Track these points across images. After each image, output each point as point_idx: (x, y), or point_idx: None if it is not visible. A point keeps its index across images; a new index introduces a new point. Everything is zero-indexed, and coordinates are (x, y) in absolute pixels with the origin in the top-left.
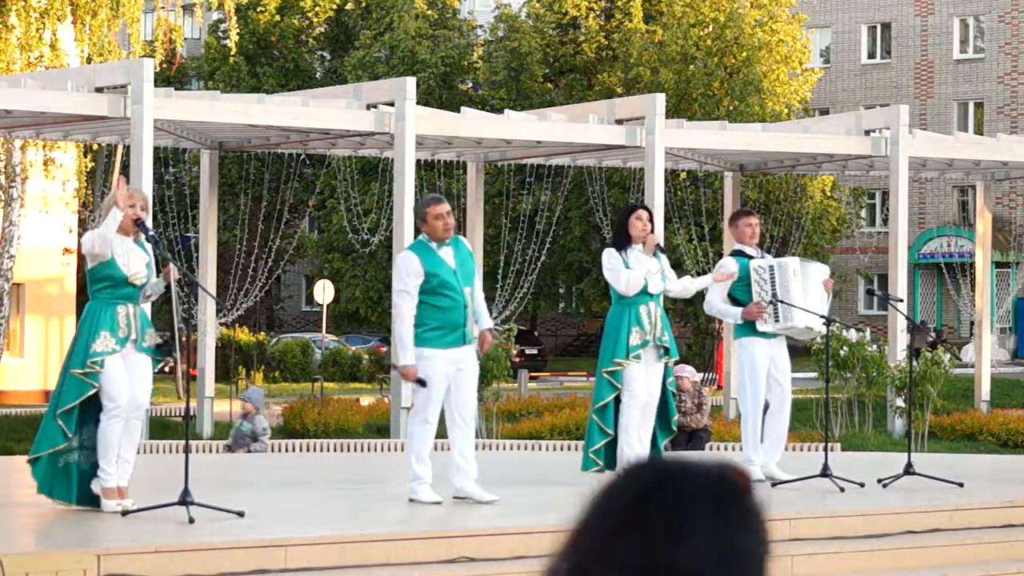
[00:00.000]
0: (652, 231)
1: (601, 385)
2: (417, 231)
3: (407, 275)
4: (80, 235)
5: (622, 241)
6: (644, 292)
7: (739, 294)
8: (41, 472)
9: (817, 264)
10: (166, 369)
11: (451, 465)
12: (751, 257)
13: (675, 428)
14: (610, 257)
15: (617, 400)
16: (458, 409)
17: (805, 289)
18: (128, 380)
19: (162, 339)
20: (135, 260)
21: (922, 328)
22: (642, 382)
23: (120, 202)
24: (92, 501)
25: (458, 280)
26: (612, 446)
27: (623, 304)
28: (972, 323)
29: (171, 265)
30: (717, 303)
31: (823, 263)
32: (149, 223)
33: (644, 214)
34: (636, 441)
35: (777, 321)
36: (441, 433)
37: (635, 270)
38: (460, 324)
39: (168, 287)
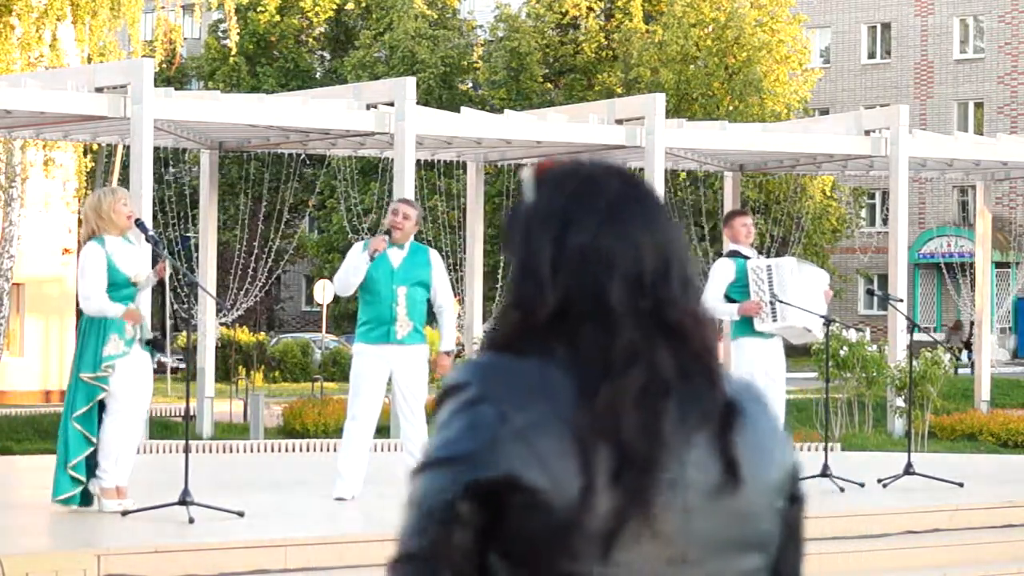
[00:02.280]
0: None
1: None
2: None
3: (349, 256)
4: (80, 234)
5: None
6: None
7: (735, 295)
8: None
9: (818, 270)
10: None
11: (408, 465)
12: (747, 258)
13: None
14: None
15: None
16: (402, 409)
17: (805, 291)
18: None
19: (152, 336)
20: (130, 259)
21: (958, 328)
22: None
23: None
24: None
25: (392, 279)
26: None
27: None
28: (972, 323)
29: (165, 261)
30: (714, 302)
31: (821, 267)
32: (149, 223)
33: None
34: None
35: (775, 320)
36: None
37: None
38: (386, 321)
39: (161, 282)
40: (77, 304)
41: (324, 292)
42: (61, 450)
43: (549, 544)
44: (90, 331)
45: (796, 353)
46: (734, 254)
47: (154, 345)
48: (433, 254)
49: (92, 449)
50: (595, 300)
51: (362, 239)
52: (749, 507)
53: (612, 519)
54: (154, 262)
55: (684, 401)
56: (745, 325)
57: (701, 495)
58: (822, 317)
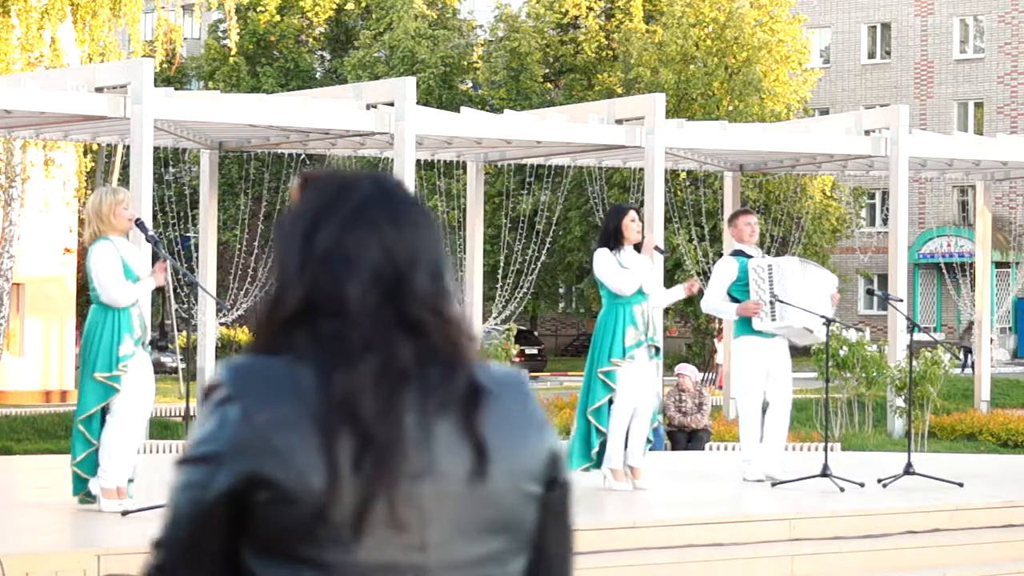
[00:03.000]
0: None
1: (596, 385)
2: None
3: None
4: (80, 235)
5: (615, 242)
6: (638, 292)
7: (738, 294)
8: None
9: (827, 273)
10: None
11: None
12: (750, 257)
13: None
14: (605, 258)
15: (610, 400)
16: None
17: (807, 292)
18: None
19: (152, 336)
20: (138, 258)
21: (971, 330)
22: (633, 382)
23: (159, 281)
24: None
25: None
26: (601, 444)
27: (617, 304)
28: (972, 323)
29: (165, 261)
30: (715, 302)
31: (823, 265)
32: (149, 224)
33: (637, 215)
34: (632, 441)
35: (774, 320)
36: None
37: (631, 270)
38: None
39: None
40: (78, 304)
41: None
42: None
43: (296, 535)
44: (103, 330)
45: (796, 353)
46: (738, 253)
47: (155, 346)
48: None
49: (93, 449)
50: (336, 297)
51: None
52: (496, 491)
53: (356, 507)
54: (153, 262)
55: (424, 389)
56: (746, 324)
57: (447, 479)
58: (821, 317)
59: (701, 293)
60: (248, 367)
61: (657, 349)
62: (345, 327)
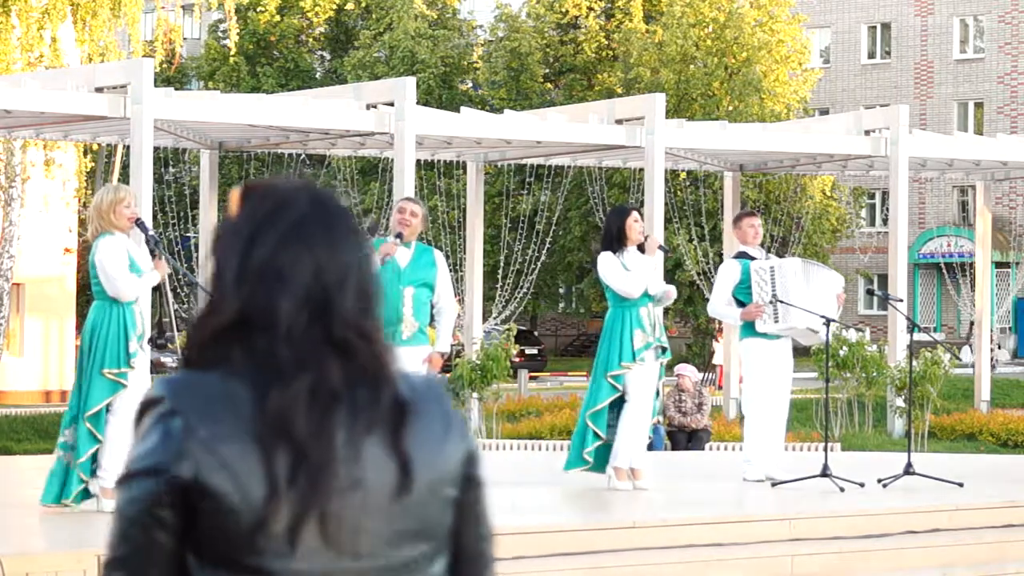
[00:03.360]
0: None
1: (600, 388)
2: None
3: None
4: (81, 235)
5: (618, 244)
6: (644, 294)
7: (742, 296)
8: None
9: (831, 273)
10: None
11: None
12: (753, 258)
13: (654, 426)
14: (610, 261)
15: (612, 403)
16: None
17: (812, 293)
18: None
19: (152, 335)
20: (140, 254)
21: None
22: (644, 384)
23: (161, 273)
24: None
25: (399, 280)
26: (601, 447)
27: (623, 307)
28: (972, 323)
29: (162, 260)
30: (719, 306)
31: (825, 264)
32: (149, 224)
33: (639, 216)
34: (633, 442)
35: (776, 321)
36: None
37: (637, 272)
38: (392, 322)
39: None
40: (78, 304)
41: None
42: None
43: (237, 543)
44: (109, 327)
45: (796, 353)
46: (742, 255)
47: (154, 344)
48: (438, 255)
49: (98, 447)
50: (269, 312)
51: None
52: (420, 501)
53: (293, 518)
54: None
55: (353, 409)
56: (750, 327)
57: (375, 493)
58: (822, 317)
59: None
60: (187, 383)
61: (664, 349)
62: (278, 344)
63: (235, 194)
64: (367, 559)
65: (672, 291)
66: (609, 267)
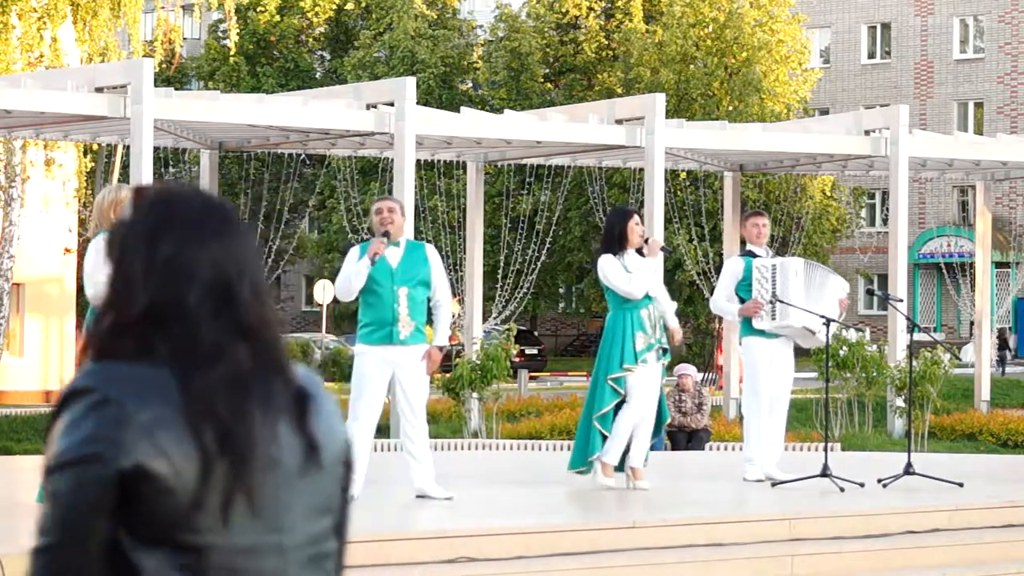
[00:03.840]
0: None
1: (603, 391)
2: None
3: (347, 263)
4: (81, 235)
5: (618, 246)
6: (645, 295)
7: (744, 293)
8: None
9: (837, 278)
10: None
11: (409, 464)
12: (758, 256)
13: (663, 430)
14: (612, 263)
15: (616, 405)
16: (403, 409)
17: (812, 294)
18: None
19: None
20: None
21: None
22: (645, 386)
23: None
24: None
25: (392, 279)
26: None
27: (625, 309)
28: (972, 323)
29: None
30: (721, 302)
31: (825, 264)
32: None
33: (640, 219)
34: (635, 443)
35: (774, 319)
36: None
37: (638, 274)
38: (388, 322)
39: None
40: (78, 304)
41: (324, 292)
42: None
43: (175, 522)
44: None
45: (796, 353)
46: (747, 253)
47: None
48: (430, 249)
49: None
50: (180, 305)
51: (362, 240)
52: (324, 478)
53: (224, 494)
54: None
55: (265, 390)
56: (750, 325)
57: (291, 471)
58: (821, 317)
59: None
60: (114, 373)
61: (665, 350)
62: (191, 333)
63: (129, 197)
64: (288, 533)
65: (678, 334)
66: (611, 269)
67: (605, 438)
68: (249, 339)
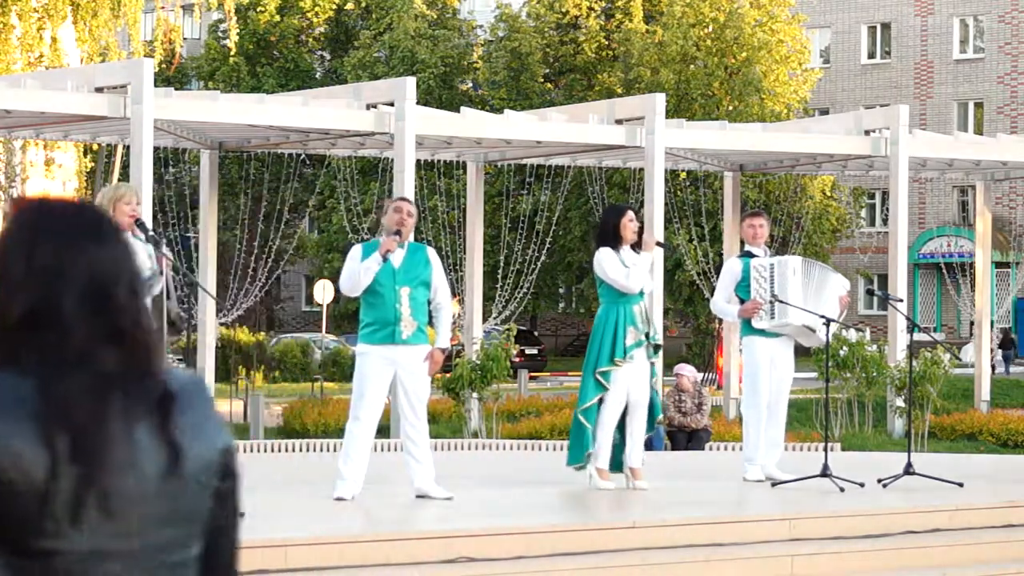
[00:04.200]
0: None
1: (590, 385)
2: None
3: (350, 260)
4: None
5: (615, 242)
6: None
7: (743, 294)
8: None
9: (838, 275)
10: None
11: (408, 465)
12: (755, 257)
13: (656, 426)
14: (609, 256)
15: (600, 400)
16: (404, 410)
17: (814, 293)
18: None
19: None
20: (143, 253)
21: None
22: (626, 382)
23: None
24: None
25: (394, 279)
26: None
27: (616, 304)
28: (972, 323)
29: (163, 258)
30: (721, 303)
31: (827, 264)
32: (149, 223)
33: (634, 215)
34: (631, 441)
35: (772, 318)
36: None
37: (635, 268)
38: (390, 322)
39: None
40: None
41: (324, 292)
42: None
43: (24, 527)
44: None
45: (796, 353)
46: (746, 254)
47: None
48: (431, 252)
49: None
50: (54, 309)
51: (362, 240)
52: (184, 486)
53: (74, 495)
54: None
55: (127, 395)
56: (750, 324)
57: (146, 476)
58: (821, 316)
59: (662, 245)
60: None
61: (657, 347)
62: (63, 339)
63: (10, 206)
64: (137, 538)
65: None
66: (608, 262)
67: (593, 432)
68: (121, 343)
